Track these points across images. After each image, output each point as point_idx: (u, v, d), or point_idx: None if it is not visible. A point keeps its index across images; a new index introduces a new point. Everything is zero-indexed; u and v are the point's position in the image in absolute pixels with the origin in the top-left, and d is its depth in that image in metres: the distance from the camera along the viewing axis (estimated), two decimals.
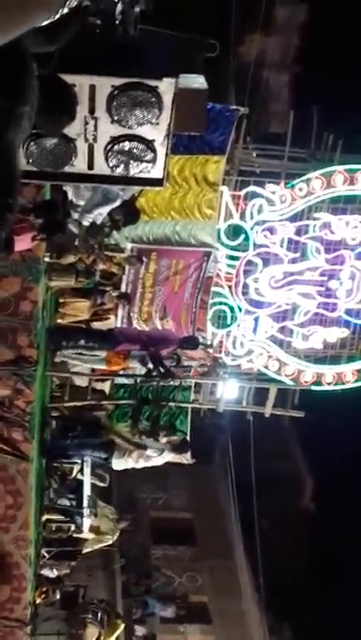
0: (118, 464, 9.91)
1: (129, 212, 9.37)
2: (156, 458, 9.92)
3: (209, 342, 11.44)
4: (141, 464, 9.85)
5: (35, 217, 6.91)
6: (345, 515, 17.57)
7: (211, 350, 11.25)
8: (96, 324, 10.81)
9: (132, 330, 10.97)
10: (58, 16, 1.11)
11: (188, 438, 11.04)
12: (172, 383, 11.08)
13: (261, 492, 15.29)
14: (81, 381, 10.80)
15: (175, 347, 10.56)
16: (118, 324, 11.05)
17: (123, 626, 10.93)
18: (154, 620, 15.74)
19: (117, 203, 8.60)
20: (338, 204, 11.40)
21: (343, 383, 11.99)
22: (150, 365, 10.47)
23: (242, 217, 11.15)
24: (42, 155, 4.41)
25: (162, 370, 10.42)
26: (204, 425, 14.33)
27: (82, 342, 10.24)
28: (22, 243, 6.49)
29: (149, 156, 4.60)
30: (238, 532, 16.84)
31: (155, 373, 10.49)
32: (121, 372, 10.86)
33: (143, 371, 10.70)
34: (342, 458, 16.99)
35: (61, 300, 10.34)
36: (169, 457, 10.03)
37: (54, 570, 10.31)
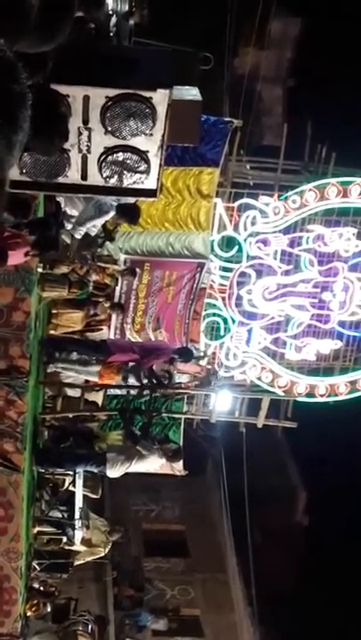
0: (113, 472, 9.84)
1: (129, 208, 9.15)
2: (151, 458, 9.81)
3: (202, 355, 11.42)
4: (134, 466, 9.77)
5: (28, 233, 6.90)
6: (338, 526, 17.54)
7: (204, 364, 11.23)
8: (89, 335, 10.78)
9: (124, 341, 10.94)
10: None
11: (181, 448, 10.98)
12: (164, 394, 11.03)
13: (254, 504, 15.24)
14: (73, 392, 10.76)
15: (168, 357, 10.53)
16: (111, 335, 11.03)
17: None
18: (146, 632, 15.62)
19: (111, 215, 8.56)
20: (331, 217, 11.45)
21: (336, 395, 12.01)
22: (143, 379, 10.43)
23: (235, 229, 11.18)
24: (35, 165, 4.39)
25: (154, 381, 10.38)
26: (197, 436, 14.30)
27: (74, 354, 10.20)
28: (15, 257, 6.48)
29: (143, 166, 4.60)
30: (231, 544, 16.76)
31: (147, 384, 10.44)
32: (114, 384, 10.82)
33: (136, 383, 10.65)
34: (336, 469, 16.98)
35: (54, 311, 10.31)
36: (162, 461, 9.96)
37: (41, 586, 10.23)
